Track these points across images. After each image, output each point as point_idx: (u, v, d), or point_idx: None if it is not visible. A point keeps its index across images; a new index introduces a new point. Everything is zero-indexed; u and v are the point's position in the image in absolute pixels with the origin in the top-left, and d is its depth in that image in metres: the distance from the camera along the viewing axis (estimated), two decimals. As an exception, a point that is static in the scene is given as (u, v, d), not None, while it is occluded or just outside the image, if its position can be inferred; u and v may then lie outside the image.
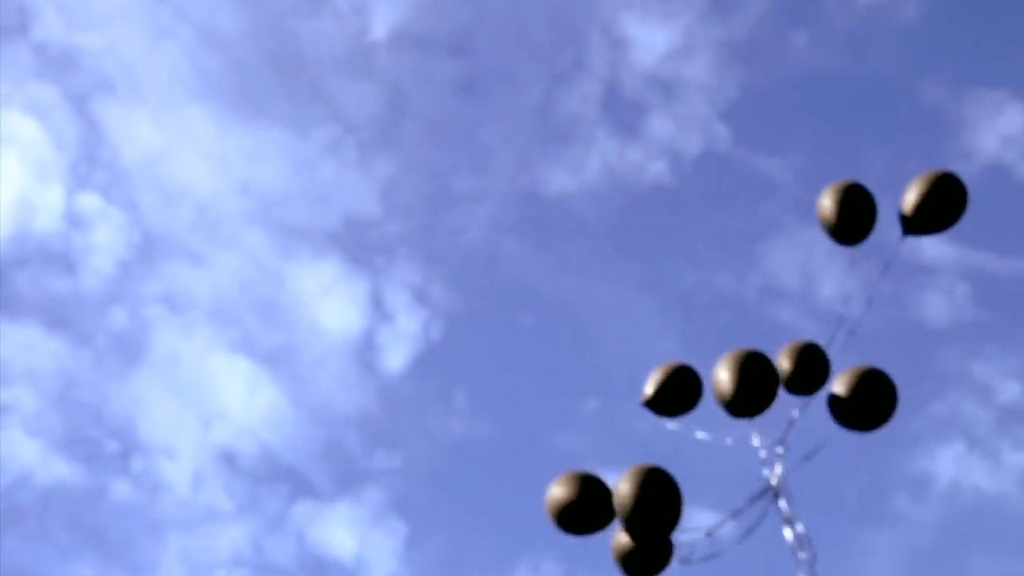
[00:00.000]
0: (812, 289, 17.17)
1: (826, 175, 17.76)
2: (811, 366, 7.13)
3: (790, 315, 17.18)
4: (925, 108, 17.32)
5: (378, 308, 17.78)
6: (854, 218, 7.20)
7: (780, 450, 7.31)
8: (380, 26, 18.00)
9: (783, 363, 7.22)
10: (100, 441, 17.04)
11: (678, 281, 17.77)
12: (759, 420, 7.19)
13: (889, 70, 17.63)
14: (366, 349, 17.68)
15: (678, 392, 7.31)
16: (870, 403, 6.99)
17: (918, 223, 7.19)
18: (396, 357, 17.65)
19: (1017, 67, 17.11)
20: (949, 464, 16.06)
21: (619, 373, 17.72)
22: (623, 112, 17.84)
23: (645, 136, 17.74)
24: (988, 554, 15.32)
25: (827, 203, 7.14)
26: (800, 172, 17.52)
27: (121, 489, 16.97)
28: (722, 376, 6.92)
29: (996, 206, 16.95)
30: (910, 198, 7.16)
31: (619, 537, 7.14)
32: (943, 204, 7.12)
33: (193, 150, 17.68)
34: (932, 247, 16.87)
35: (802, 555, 6.99)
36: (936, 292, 16.77)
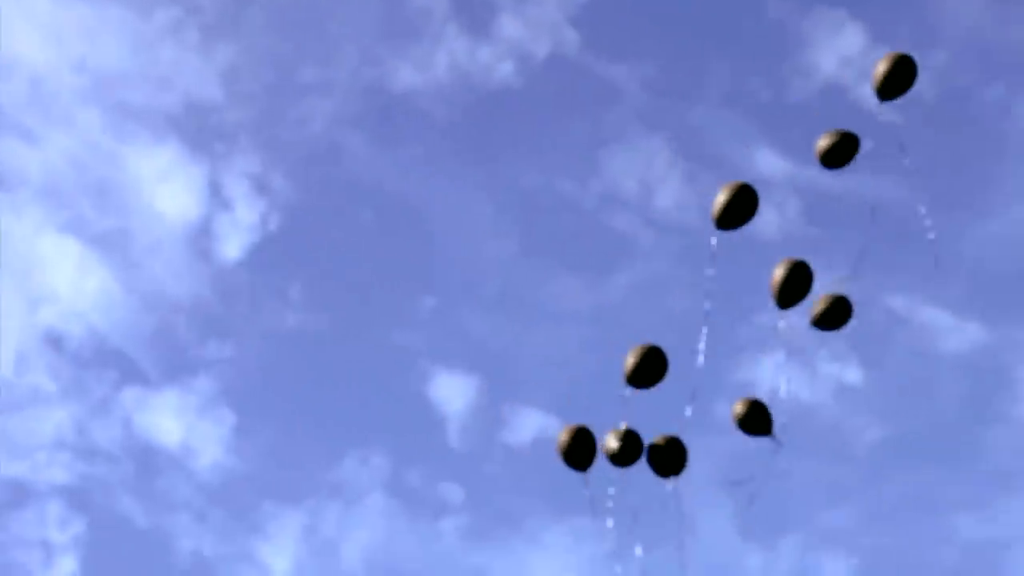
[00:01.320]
0: (650, 199, 17.44)
1: (671, 85, 17.93)
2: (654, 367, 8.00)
3: (627, 223, 17.45)
4: (769, 24, 17.60)
5: (216, 195, 17.51)
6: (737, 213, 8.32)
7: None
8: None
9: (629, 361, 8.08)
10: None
11: (519, 183, 17.89)
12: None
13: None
14: (202, 236, 17.43)
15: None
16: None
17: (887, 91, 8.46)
18: (233, 246, 17.45)
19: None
20: (770, 373, 16.57)
21: (457, 272, 17.83)
22: (473, 11, 17.76)
23: (494, 36, 17.70)
24: (803, 461, 15.91)
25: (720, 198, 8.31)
26: (645, 81, 17.70)
27: (-60, 369, 16.56)
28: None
29: (831, 124, 17.36)
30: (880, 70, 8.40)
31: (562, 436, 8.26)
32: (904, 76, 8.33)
33: (27, 22, 17.08)
34: (767, 162, 17.25)
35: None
36: (768, 205, 17.19)
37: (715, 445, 16.61)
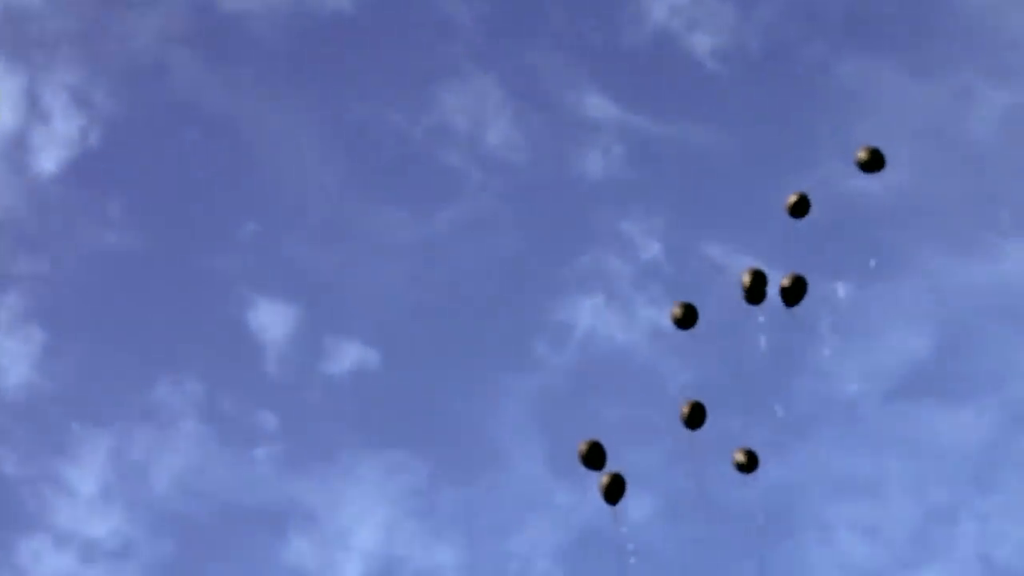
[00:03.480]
0: (480, 136, 17.49)
1: (506, 24, 17.96)
2: None
3: (456, 159, 17.48)
4: (605, -29, 17.72)
5: (34, 107, 16.97)
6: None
7: None
8: None
9: None
10: None
11: (349, 113, 17.74)
12: None
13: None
14: (17, 148, 16.89)
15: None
16: None
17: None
18: (49, 160, 16.95)
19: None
20: (588, 314, 16.88)
21: (281, 199, 17.64)
22: (310, -66, 17.48)
23: (330, -38, 17.47)
24: (614, 398, 16.26)
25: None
26: (482, 18, 17.68)
27: None
28: None
29: (659, 72, 17.63)
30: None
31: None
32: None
33: None
34: (596, 106, 17.44)
35: None
36: (595, 149, 17.40)
37: (529, 383, 16.87)
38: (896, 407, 16.49)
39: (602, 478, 9.60)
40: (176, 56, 17.49)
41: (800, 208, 9.32)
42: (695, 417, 9.33)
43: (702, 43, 17.41)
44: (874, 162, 9.17)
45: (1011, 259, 16.96)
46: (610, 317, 16.86)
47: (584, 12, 17.76)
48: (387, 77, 17.82)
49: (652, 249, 17.04)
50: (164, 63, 17.46)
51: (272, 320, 16.86)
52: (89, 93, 17.13)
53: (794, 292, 9.31)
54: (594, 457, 9.41)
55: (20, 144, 16.83)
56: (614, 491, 9.40)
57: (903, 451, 16.26)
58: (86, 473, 16.19)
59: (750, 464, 9.47)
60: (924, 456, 16.25)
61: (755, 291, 9.41)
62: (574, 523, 16.18)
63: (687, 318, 9.46)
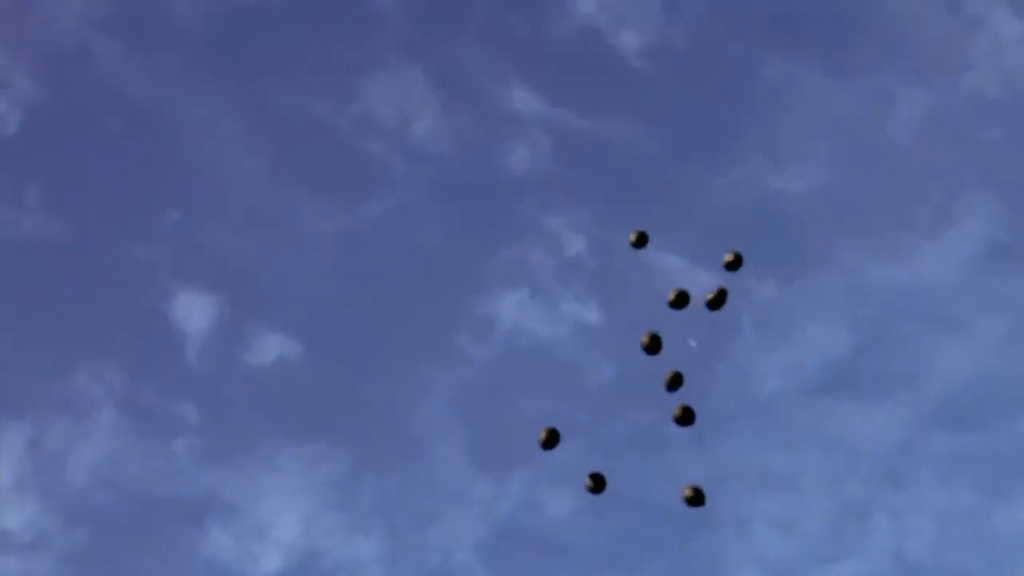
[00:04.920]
0: (406, 128, 17.47)
1: (433, 15, 17.95)
2: None
3: (382, 150, 17.44)
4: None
5: (-49, 90, 16.73)
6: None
7: None
8: None
9: None
10: None
11: (275, 102, 17.64)
12: None
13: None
14: (-66, 132, 16.65)
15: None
16: None
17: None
18: (-33, 144, 16.72)
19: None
20: (512, 308, 16.92)
21: (205, 188, 17.51)
22: (236, -78, 17.36)
23: (256, -50, 17.35)
24: (536, 392, 16.33)
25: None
26: (408, 9, 17.66)
27: None
28: None
29: (586, 67, 17.71)
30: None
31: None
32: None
33: None
34: (521, 100, 17.48)
35: None
36: (521, 143, 17.45)
37: (451, 376, 16.89)
38: (813, 404, 16.72)
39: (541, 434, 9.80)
40: (99, 41, 17.29)
41: (680, 301, 9.64)
42: (596, 484, 9.68)
43: (629, 39, 17.52)
44: (697, 499, 9.72)
45: (928, 259, 17.25)
46: (534, 311, 16.93)
47: (511, 5, 17.80)
48: (312, 67, 17.75)
49: (577, 244, 17.13)
50: (87, 48, 17.27)
51: (193, 310, 16.74)
52: (8, 77, 16.89)
53: (717, 303, 9.58)
54: (552, 440, 9.56)
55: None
56: (552, 441, 9.54)
57: (820, 447, 16.49)
58: (1, 464, 15.98)
59: (697, 499, 9.73)
60: (840, 452, 16.49)
61: (679, 304, 9.64)
62: (495, 515, 16.23)
63: (653, 347, 9.65)
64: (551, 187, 17.48)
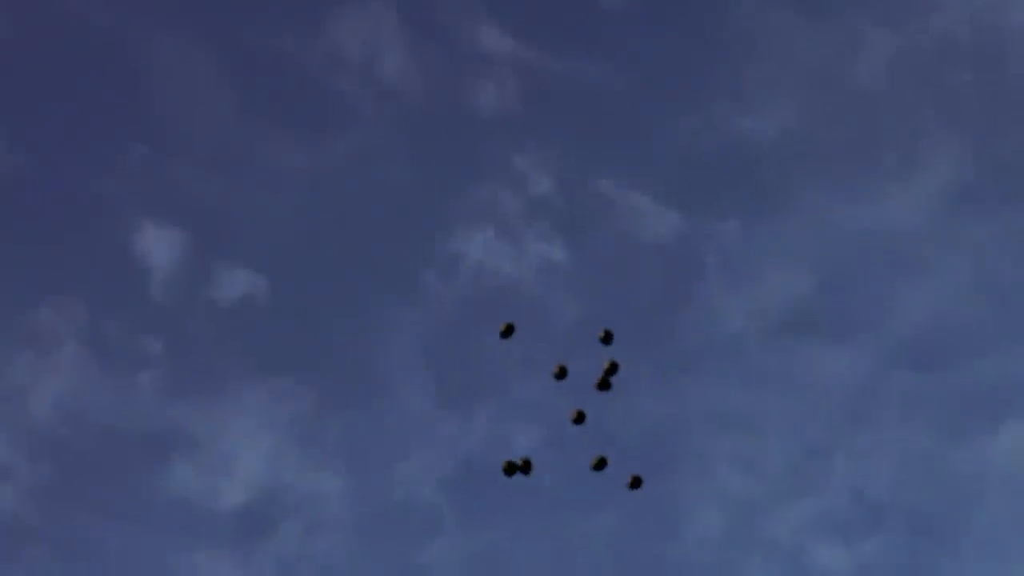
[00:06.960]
0: (375, 65, 17.37)
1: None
2: None
3: (350, 87, 17.35)
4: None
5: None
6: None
7: None
8: None
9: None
10: None
11: (241, 37, 17.50)
12: None
13: None
14: None
15: None
16: None
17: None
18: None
19: None
20: (479, 247, 16.93)
21: (171, 123, 17.38)
22: None
23: None
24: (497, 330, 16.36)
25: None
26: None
27: None
28: None
29: (556, 6, 17.63)
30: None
31: None
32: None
33: None
34: (491, 39, 17.39)
35: None
36: (489, 82, 17.39)
37: (416, 314, 16.91)
38: (777, 344, 16.85)
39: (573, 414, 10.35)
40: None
41: (579, 420, 10.26)
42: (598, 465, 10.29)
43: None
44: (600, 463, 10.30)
45: (893, 201, 17.34)
46: (500, 250, 16.94)
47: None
48: (281, 2, 17.60)
49: (544, 183, 17.12)
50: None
51: (159, 245, 16.67)
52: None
53: (605, 383, 10.36)
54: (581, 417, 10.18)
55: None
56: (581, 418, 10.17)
57: (782, 387, 16.64)
58: (-36, 396, 15.95)
59: (635, 482, 10.25)
60: (803, 393, 16.65)
61: (603, 385, 10.37)
62: (459, 452, 16.32)
63: (579, 420, 10.21)
64: (519, 126, 17.45)
